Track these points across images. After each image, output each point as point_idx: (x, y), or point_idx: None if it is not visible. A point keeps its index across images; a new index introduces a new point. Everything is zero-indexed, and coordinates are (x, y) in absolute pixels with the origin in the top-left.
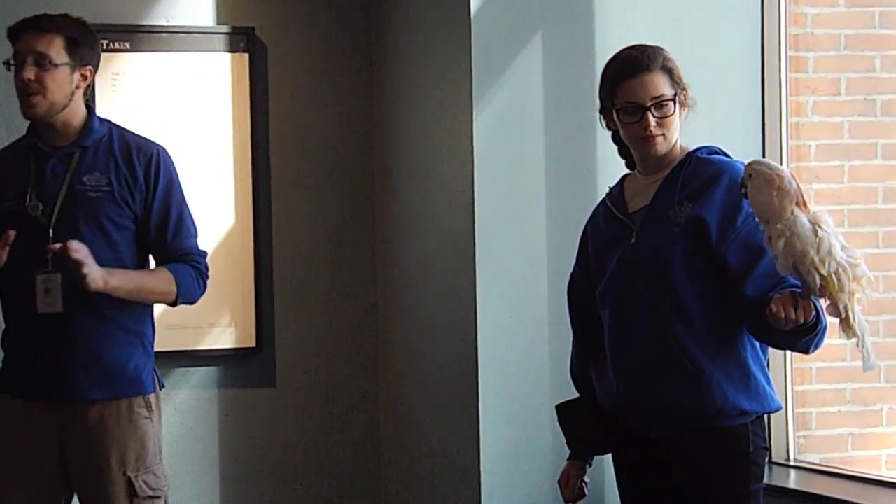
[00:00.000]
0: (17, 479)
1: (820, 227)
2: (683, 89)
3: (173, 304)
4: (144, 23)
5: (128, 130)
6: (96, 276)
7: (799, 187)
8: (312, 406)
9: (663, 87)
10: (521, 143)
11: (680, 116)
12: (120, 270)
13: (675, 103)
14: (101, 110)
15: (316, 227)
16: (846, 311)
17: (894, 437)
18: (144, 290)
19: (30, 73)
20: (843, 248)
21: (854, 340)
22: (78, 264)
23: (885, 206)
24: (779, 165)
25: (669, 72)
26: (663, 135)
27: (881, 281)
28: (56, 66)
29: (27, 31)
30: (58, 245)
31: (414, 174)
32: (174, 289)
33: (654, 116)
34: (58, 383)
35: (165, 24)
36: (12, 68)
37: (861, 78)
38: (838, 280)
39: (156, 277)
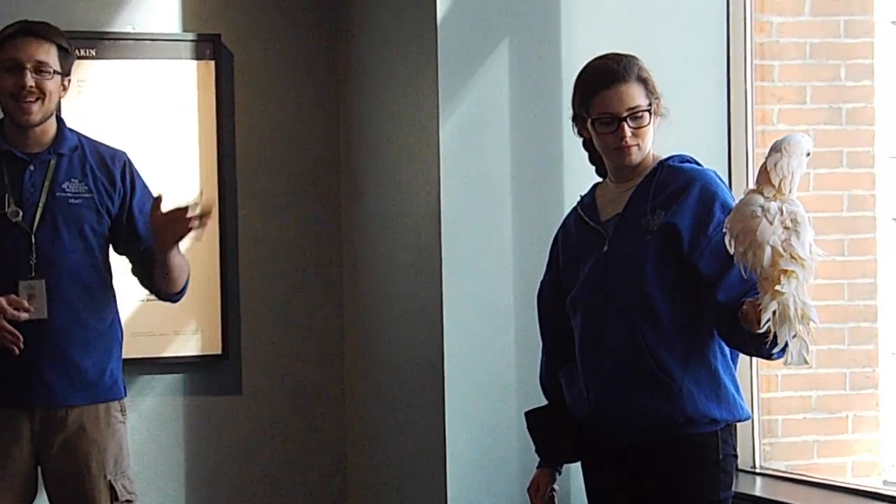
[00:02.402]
0: None
1: (767, 211)
2: (657, 98)
3: (178, 292)
4: (110, 30)
5: (92, 139)
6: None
7: (763, 168)
8: (279, 413)
9: (639, 97)
10: (487, 149)
11: (653, 125)
12: None
13: (649, 113)
14: (67, 117)
15: (282, 233)
16: (766, 295)
17: (860, 444)
18: (176, 262)
19: (31, 80)
20: (786, 226)
21: (767, 322)
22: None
23: (849, 214)
24: None
25: (644, 82)
26: (638, 145)
27: (846, 289)
28: (54, 74)
29: (26, 36)
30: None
31: (380, 180)
32: (186, 277)
33: (629, 127)
34: (39, 390)
35: (131, 30)
36: None
37: (826, 86)
38: (759, 257)
39: (184, 259)
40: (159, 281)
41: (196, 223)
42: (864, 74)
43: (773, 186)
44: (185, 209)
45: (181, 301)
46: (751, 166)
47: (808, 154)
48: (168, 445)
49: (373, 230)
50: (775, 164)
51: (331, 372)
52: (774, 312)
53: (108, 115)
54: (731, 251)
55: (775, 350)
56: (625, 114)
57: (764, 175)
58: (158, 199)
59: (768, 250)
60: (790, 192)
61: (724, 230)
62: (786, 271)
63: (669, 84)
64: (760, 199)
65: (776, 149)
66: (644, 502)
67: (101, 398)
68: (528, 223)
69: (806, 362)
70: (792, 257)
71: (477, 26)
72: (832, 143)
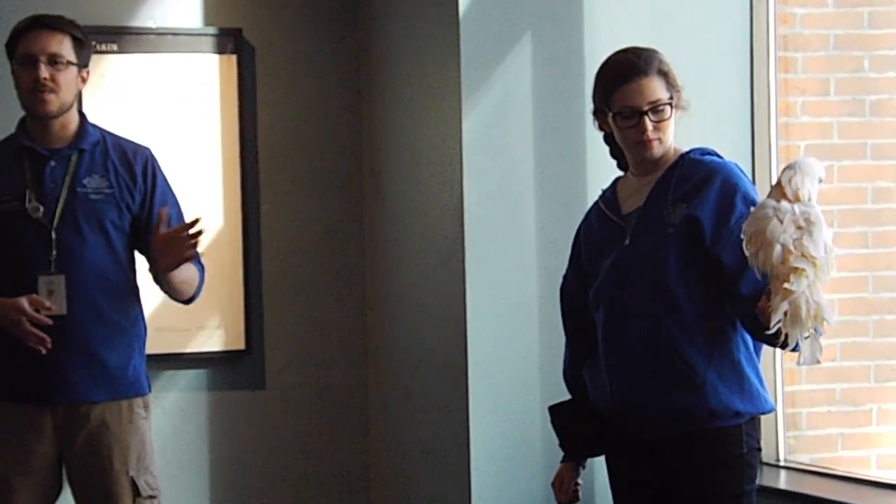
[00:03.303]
0: (15, 486)
1: (778, 211)
2: (678, 91)
3: (190, 299)
4: (132, 24)
5: (116, 134)
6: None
7: (777, 183)
8: (302, 408)
9: (660, 91)
10: (510, 144)
11: (674, 118)
12: None
13: (670, 107)
14: (89, 112)
15: (305, 228)
16: (777, 296)
17: (884, 437)
18: (184, 275)
19: (45, 71)
20: (799, 226)
21: (778, 323)
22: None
23: (874, 207)
24: None
25: (665, 75)
26: (659, 139)
27: (870, 281)
28: (68, 65)
29: (39, 29)
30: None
31: (403, 175)
32: (197, 284)
33: (650, 121)
34: (61, 386)
35: (153, 25)
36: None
37: (850, 78)
38: (769, 257)
39: (192, 270)
40: (165, 290)
41: (194, 250)
42: (888, 66)
43: (789, 199)
44: (187, 228)
45: (204, 297)
46: (774, 159)
47: (821, 180)
48: (191, 441)
49: (396, 225)
50: (790, 180)
51: (354, 367)
52: (786, 313)
53: (130, 110)
54: (747, 254)
55: (788, 349)
56: (646, 108)
57: (779, 189)
58: (160, 219)
59: (778, 248)
60: (808, 199)
61: (742, 235)
62: (796, 269)
63: (692, 76)
64: (774, 203)
65: (790, 167)
66: (668, 496)
67: (124, 394)
68: (551, 218)
69: (818, 362)
70: (803, 255)
71: (499, 20)
72: (856, 134)
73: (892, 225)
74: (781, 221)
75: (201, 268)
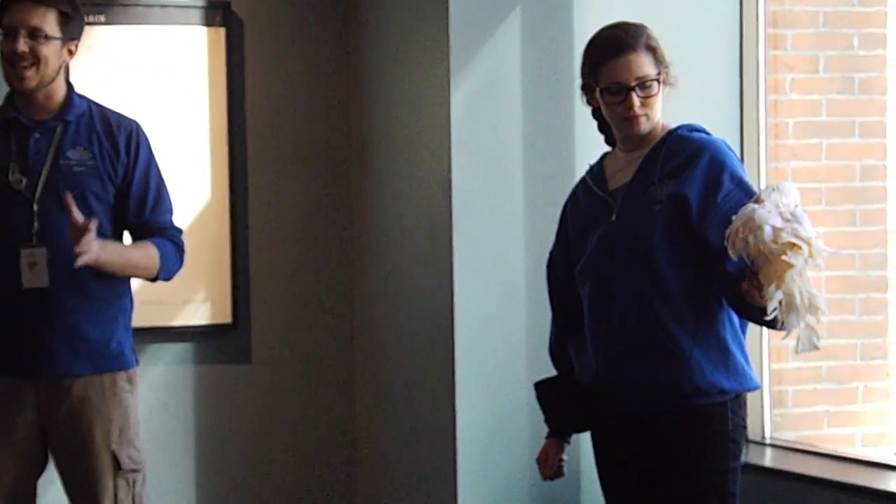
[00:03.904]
0: None
1: (762, 206)
2: (666, 68)
3: (153, 279)
4: None
5: (103, 105)
6: (94, 248)
7: (766, 193)
8: (288, 382)
9: (647, 66)
10: (498, 119)
11: (662, 94)
12: (111, 244)
13: (658, 83)
14: (75, 83)
15: (292, 202)
16: (771, 285)
17: (869, 414)
18: (130, 264)
19: (24, 45)
20: (786, 219)
21: (774, 311)
22: (83, 232)
23: (862, 185)
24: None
25: (653, 51)
26: (647, 114)
27: (857, 259)
28: (49, 39)
29: (20, 2)
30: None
31: (391, 149)
32: (157, 263)
33: (638, 97)
34: (43, 359)
35: None
36: None
37: (839, 56)
38: (757, 247)
39: (141, 252)
40: None
41: (81, 248)
42: (877, 43)
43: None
44: (80, 228)
45: (191, 270)
46: (762, 136)
47: (796, 205)
48: (177, 414)
49: (384, 199)
50: (769, 195)
51: (341, 341)
52: (781, 302)
53: (117, 82)
54: (734, 257)
55: (784, 337)
56: (633, 83)
57: (759, 201)
58: (66, 205)
59: (768, 228)
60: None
61: (725, 242)
62: (792, 244)
63: (682, 52)
64: (756, 204)
65: (769, 187)
66: (653, 472)
67: (107, 368)
68: (540, 193)
69: (816, 348)
70: (796, 235)
71: None
72: (844, 112)
73: (879, 203)
74: (768, 212)
75: (174, 246)
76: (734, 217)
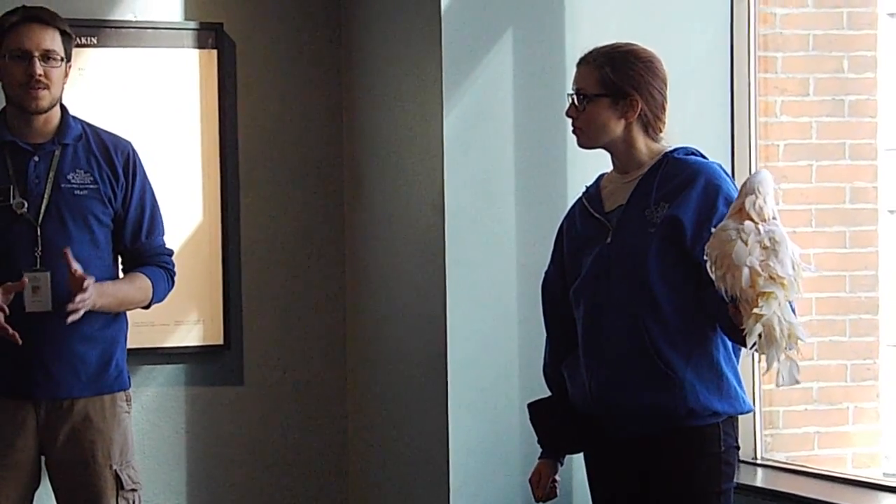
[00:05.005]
0: None
1: (742, 232)
2: (629, 95)
3: (146, 307)
4: (111, 18)
5: (96, 127)
6: (89, 303)
7: (749, 201)
8: (280, 404)
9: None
10: (491, 140)
11: (631, 119)
12: (107, 287)
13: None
14: (68, 106)
15: (285, 223)
16: (750, 318)
17: (860, 435)
18: (126, 302)
19: (40, 68)
20: (764, 246)
21: (754, 346)
22: (79, 287)
23: (852, 207)
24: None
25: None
26: (581, 128)
27: (847, 280)
28: (60, 61)
29: (32, 24)
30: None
31: (384, 170)
32: (150, 295)
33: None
34: (44, 382)
35: (133, 19)
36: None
37: (829, 78)
38: (733, 283)
39: (136, 287)
40: None
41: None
42: (867, 66)
43: (753, 219)
44: (77, 281)
45: (183, 291)
46: (753, 158)
47: (775, 191)
48: (169, 436)
49: (376, 221)
50: (753, 203)
51: (333, 363)
52: (760, 335)
53: (110, 105)
54: (713, 276)
55: (764, 372)
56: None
57: (741, 212)
58: (66, 258)
59: (745, 271)
60: (772, 218)
61: (705, 257)
62: (764, 293)
63: (673, 75)
64: (737, 224)
65: (749, 190)
66: (646, 494)
67: (107, 390)
68: (532, 214)
69: (797, 382)
70: (771, 277)
71: (480, 16)
72: (834, 135)
73: (869, 225)
74: (746, 243)
75: (165, 272)
76: (713, 229)
